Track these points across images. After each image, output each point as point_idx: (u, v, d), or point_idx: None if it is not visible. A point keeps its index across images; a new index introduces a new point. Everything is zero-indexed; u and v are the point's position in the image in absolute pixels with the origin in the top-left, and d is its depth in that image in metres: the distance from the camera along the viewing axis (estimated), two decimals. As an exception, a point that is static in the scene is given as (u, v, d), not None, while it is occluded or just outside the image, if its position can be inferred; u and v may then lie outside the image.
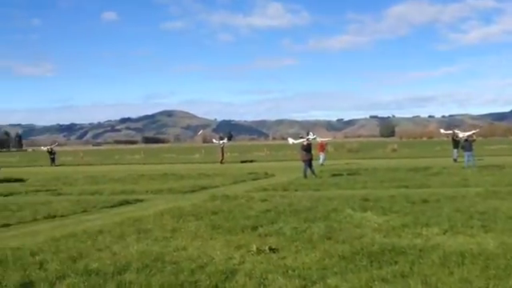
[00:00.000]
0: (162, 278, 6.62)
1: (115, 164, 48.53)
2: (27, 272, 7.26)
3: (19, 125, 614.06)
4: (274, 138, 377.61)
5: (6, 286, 6.57)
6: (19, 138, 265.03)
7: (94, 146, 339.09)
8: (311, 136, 26.88)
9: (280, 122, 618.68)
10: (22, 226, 12.45)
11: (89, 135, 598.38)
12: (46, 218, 13.38)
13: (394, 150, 59.03)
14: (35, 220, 13.08)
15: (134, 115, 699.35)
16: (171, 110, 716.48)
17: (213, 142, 59.34)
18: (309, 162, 24.22)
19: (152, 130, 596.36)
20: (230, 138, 60.05)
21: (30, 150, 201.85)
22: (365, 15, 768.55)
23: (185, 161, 50.71)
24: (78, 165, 48.85)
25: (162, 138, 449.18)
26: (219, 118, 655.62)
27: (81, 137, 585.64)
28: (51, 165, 46.20)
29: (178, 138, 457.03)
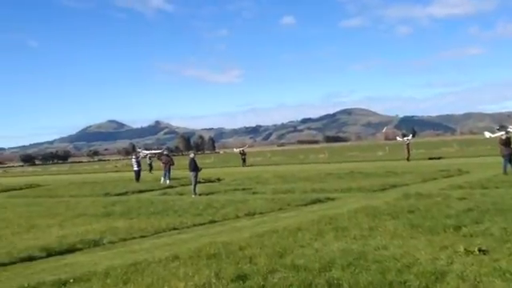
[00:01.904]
0: (369, 276, 6.63)
1: (301, 163, 49.78)
2: (239, 265, 7.83)
3: (211, 129, 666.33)
4: (461, 133, 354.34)
5: (223, 277, 7.13)
6: (212, 140, 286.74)
7: (278, 146, 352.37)
8: (511, 129, 24.59)
9: (468, 116, 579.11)
10: (226, 222, 13.48)
11: (273, 136, 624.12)
12: (246, 215, 14.29)
13: None
14: (237, 217, 14.05)
15: (314, 115, 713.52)
16: (351, 108, 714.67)
17: (396, 139, 57.88)
18: (508, 157, 22.25)
19: (333, 129, 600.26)
20: (413, 135, 57.95)
21: (221, 152, 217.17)
22: None
23: (369, 159, 50.08)
24: (267, 165, 51.16)
25: (342, 136, 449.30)
26: (401, 114, 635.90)
27: (266, 138, 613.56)
28: (242, 165, 49.07)
29: (358, 136, 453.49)
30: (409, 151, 41.82)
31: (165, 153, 35.31)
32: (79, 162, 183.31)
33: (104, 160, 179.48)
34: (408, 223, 10.49)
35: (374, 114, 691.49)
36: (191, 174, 21.68)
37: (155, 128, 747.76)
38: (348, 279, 6.55)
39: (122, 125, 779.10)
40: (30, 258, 9.90)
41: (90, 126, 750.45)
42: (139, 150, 41.23)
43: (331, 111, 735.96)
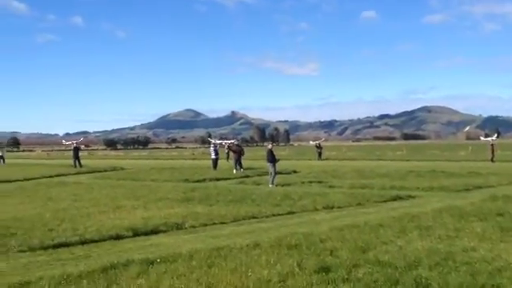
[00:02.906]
0: (459, 277, 6.40)
1: (378, 160, 48.78)
2: (321, 257, 7.79)
3: (286, 121, 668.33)
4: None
5: (305, 268, 7.13)
6: (287, 133, 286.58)
7: (353, 141, 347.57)
8: None
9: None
10: (304, 214, 13.46)
11: (348, 131, 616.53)
12: (324, 208, 14.21)
13: None
14: (316, 209, 13.99)
15: (392, 111, 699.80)
16: (431, 106, 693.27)
17: (480, 139, 55.51)
18: None
19: (411, 127, 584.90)
20: (498, 135, 55.64)
21: (295, 144, 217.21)
22: None
23: (450, 158, 48.27)
24: (342, 159, 50.50)
25: (421, 134, 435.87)
26: (484, 114, 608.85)
27: (341, 133, 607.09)
28: (318, 159, 48.76)
29: (438, 135, 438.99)
30: (493, 152, 39.94)
31: (235, 143, 35.80)
32: (158, 148, 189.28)
33: (181, 147, 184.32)
34: (497, 226, 10.05)
35: (456, 112, 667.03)
36: (269, 165, 21.79)
37: (231, 118, 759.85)
38: (437, 279, 6.35)
39: (198, 114, 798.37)
40: (118, 237, 10.35)
41: (169, 114, 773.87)
42: (210, 139, 42.01)
43: (410, 108, 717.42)
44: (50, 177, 28.87)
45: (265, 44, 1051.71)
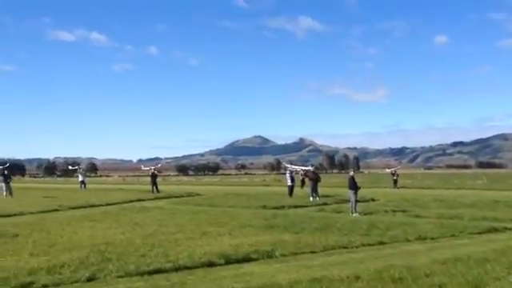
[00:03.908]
0: None
1: (457, 188, 46.79)
2: (432, 293, 7.33)
3: (355, 148, 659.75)
4: None
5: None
6: (357, 160, 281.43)
7: (424, 169, 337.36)
8: None
9: None
10: (396, 244, 12.91)
11: (420, 159, 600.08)
12: (416, 239, 13.61)
13: None
14: (407, 240, 13.40)
15: (466, 139, 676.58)
16: (508, 133, 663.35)
17: None
18: None
19: (486, 155, 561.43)
20: None
21: (365, 172, 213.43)
22: None
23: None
24: (419, 188, 48.84)
25: (497, 162, 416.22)
26: None
27: (412, 160, 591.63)
28: (393, 186, 47.42)
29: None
30: None
31: (311, 169, 35.39)
32: (228, 174, 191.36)
33: (251, 174, 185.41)
34: None
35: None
36: (350, 192, 21.30)
37: (299, 145, 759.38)
38: None
39: (267, 140, 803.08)
40: (210, 264, 10.26)
41: (238, 141, 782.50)
42: (287, 165, 41.68)
43: (484, 135, 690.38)
44: (131, 201, 29.50)
45: (332, 70, 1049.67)
